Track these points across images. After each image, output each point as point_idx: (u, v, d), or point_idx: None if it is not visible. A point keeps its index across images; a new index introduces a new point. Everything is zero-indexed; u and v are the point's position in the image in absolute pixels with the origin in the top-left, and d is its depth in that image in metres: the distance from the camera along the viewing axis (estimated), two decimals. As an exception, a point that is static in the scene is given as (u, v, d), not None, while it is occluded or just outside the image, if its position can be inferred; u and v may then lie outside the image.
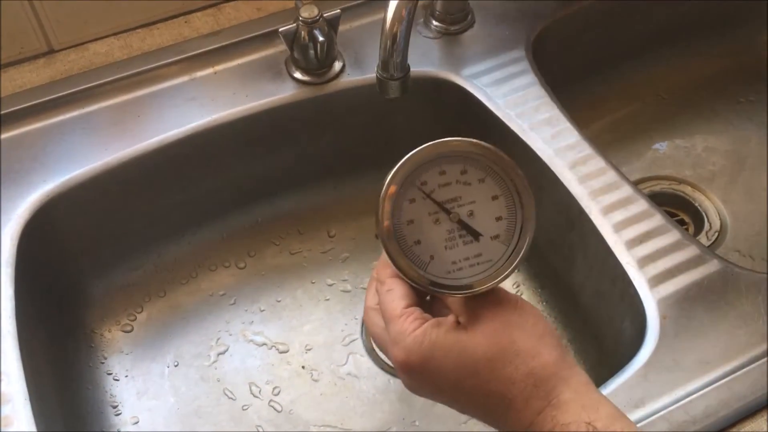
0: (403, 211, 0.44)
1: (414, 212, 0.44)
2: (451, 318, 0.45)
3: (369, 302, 0.50)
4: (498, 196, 0.44)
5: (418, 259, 0.44)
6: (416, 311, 0.46)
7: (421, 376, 0.45)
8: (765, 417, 0.55)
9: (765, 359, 0.57)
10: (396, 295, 0.46)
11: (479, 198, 0.44)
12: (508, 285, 0.79)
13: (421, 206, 0.44)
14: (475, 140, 0.44)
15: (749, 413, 0.55)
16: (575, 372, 0.44)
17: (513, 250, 0.45)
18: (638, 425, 0.54)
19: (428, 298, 0.48)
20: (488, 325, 0.44)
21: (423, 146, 0.44)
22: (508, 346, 0.43)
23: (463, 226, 0.44)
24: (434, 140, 0.44)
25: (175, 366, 0.74)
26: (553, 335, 0.45)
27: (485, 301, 0.45)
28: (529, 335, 0.44)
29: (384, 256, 0.45)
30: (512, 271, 0.45)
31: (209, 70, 0.77)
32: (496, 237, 0.45)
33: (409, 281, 0.45)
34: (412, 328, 0.44)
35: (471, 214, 0.44)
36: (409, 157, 0.44)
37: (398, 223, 0.44)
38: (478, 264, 0.45)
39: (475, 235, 0.44)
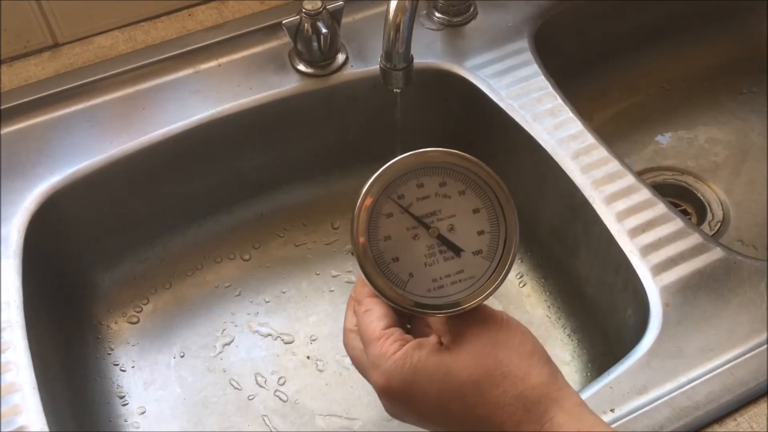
0: (379, 227, 0.42)
1: (391, 228, 0.42)
2: (433, 338, 0.43)
3: (347, 324, 0.47)
4: (479, 208, 0.43)
5: (397, 278, 0.42)
6: (396, 332, 0.43)
7: (403, 401, 0.43)
8: (767, 402, 0.56)
9: (767, 346, 0.58)
10: (374, 315, 0.44)
11: (460, 211, 0.43)
12: (510, 277, 0.79)
13: (399, 221, 0.42)
14: (453, 150, 0.42)
15: (752, 399, 0.55)
16: (567, 393, 0.42)
17: (497, 266, 0.43)
18: (642, 411, 0.54)
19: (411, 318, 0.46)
20: (473, 346, 0.42)
21: (398, 157, 0.42)
22: (495, 367, 0.41)
23: (444, 241, 0.42)
24: (410, 151, 0.42)
25: (182, 357, 0.75)
26: (542, 354, 0.43)
27: (469, 320, 0.43)
28: (517, 355, 0.42)
29: (361, 274, 0.43)
30: (496, 288, 0.43)
31: (213, 63, 0.77)
32: (479, 252, 0.43)
33: (387, 301, 0.43)
34: (392, 351, 0.42)
35: (451, 228, 0.42)
36: (384, 170, 0.42)
37: (374, 239, 0.42)
38: (460, 281, 0.43)
39: (457, 250, 0.42)
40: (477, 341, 0.42)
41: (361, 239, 0.42)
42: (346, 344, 0.47)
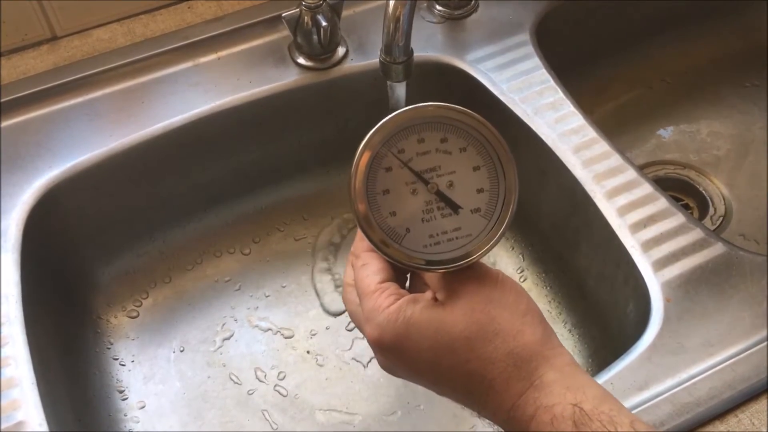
0: (378, 180, 0.42)
1: (390, 182, 0.42)
2: (428, 294, 0.43)
3: (346, 278, 0.47)
4: (480, 166, 0.42)
5: (393, 232, 0.42)
6: (391, 287, 0.43)
7: (395, 355, 0.43)
8: (768, 399, 0.56)
9: (769, 341, 0.58)
10: (371, 269, 0.44)
11: (460, 168, 0.42)
12: (511, 269, 0.79)
13: (398, 175, 0.42)
14: (457, 106, 0.42)
15: (753, 395, 0.55)
16: (559, 352, 0.42)
17: (494, 225, 0.42)
18: (642, 407, 0.54)
19: (409, 275, 0.46)
20: (467, 302, 0.42)
21: (401, 110, 0.41)
22: (488, 324, 0.41)
23: (442, 197, 0.42)
24: (414, 104, 0.42)
25: (181, 351, 0.75)
26: (535, 313, 0.43)
27: (464, 277, 0.43)
28: (510, 313, 0.42)
29: (359, 228, 0.43)
30: (492, 247, 0.42)
31: (213, 56, 0.77)
32: (477, 210, 0.42)
33: (383, 255, 0.42)
34: (386, 305, 0.42)
35: (451, 185, 0.42)
36: (385, 122, 0.41)
37: (372, 192, 0.42)
38: (456, 238, 0.42)
39: (455, 207, 0.42)
40: (471, 298, 0.42)
41: (359, 192, 0.42)
42: (344, 298, 0.48)
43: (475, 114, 0.42)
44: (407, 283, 0.47)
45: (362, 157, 0.41)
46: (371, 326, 0.43)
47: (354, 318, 0.46)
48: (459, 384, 0.42)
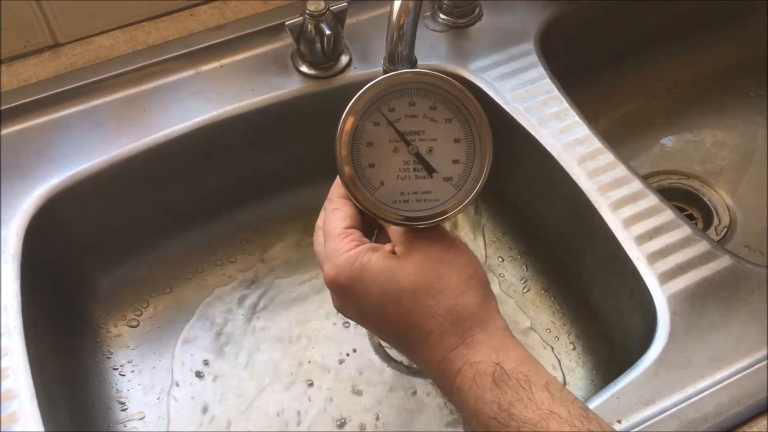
0: (365, 132, 0.45)
1: (375, 135, 0.45)
2: (387, 246, 0.47)
3: (318, 221, 0.51)
4: (461, 139, 0.45)
5: (368, 182, 0.45)
6: (355, 233, 0.47)
7: (346, 296, 0.46)
8: (776, 415, 0.55)
9: (776, 356, 0.57)
10: (340, 215, 0.47)
11: (442, 137, 0.45)
12: (514, 280, 0.79)
13: (384, 131, 0.45)
14: (452, 80, 0.45)
15: (761, 411, 0.55)
16: (494, 317, 0.46)
17: (462, 195, 0.45)
18: (649, 423, 0.54)
19: (376, 231, 0.50)
20: (420, 258, 0.45)
21: (402, 71, 0.45)
22: (435, 280, 0.45)
23: (420, 160, 0.45)
24: (417, 69, 0.45)
25: (182, 361, 0.74)
26: (481, 279, 0.46)
27: (424, 236, 0.46)
28: (457, 274, 0.45)
29: (338, 174, 0.46)
30: (454, 216, 0.45)
31: (215, 64, 0.77)
32: (449, 179, 0.45)
33: (354, 201, 0.46)
34: (346, 248, 0.46)
35: (430, 150, 0.45)
36: (383, 79, 0.44)
37: (357, 142, 0.45)
38: (425, 201, 0.45)
39: (430, 171, 0.45)
40: (425, 254, 0.46)
41: (345, 137, 0.45)
42: (314, 240, 0.51)
43: (468, 92, 0.44)
44: (374, 238, 0.51)
45: (356, 104, 0.44)
46: (329, 266, 0.46)
47: (318, 258, 0.49)
48: (400, 332, 0.46)
